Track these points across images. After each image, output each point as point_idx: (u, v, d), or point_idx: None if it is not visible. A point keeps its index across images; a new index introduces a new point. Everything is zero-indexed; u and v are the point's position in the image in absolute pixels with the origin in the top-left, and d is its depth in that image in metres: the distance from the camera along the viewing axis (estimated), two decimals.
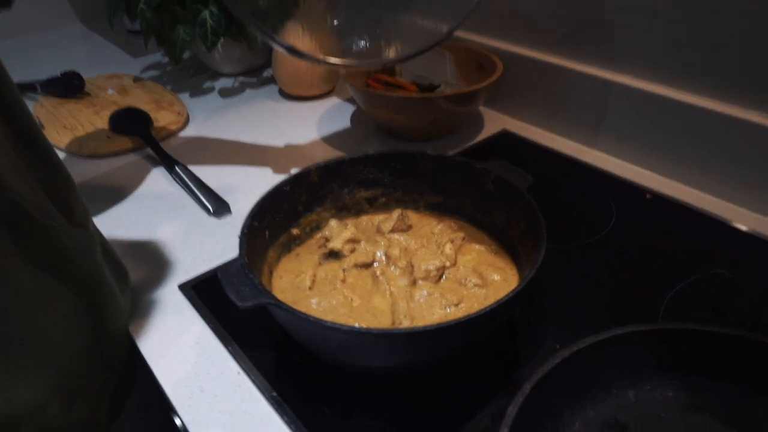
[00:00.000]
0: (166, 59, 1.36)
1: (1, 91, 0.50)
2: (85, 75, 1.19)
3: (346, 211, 0.70)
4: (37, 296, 0.52)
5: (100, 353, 0.60)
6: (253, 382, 0.56)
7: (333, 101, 1.13)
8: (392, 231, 0.66)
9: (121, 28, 1.56)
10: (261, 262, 0.60)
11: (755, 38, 0.68)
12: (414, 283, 0.59)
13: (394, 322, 0.55)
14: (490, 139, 0.95)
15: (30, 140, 0.53)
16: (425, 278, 0.59)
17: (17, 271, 0.49)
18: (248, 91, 1.19)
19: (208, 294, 0.65)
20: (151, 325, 0.64)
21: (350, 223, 0.67)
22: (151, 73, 1.30)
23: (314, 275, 0.60)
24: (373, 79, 0.96)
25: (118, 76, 1.24)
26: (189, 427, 0.53)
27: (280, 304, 0.48)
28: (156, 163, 0.93)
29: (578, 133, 0.91)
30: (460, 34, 0.98)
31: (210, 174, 0.88)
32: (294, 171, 0.70)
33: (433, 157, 0.67)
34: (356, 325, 0.55)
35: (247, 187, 0.86)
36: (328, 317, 0.56)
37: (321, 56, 0.69)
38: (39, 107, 1.11)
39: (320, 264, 0.63)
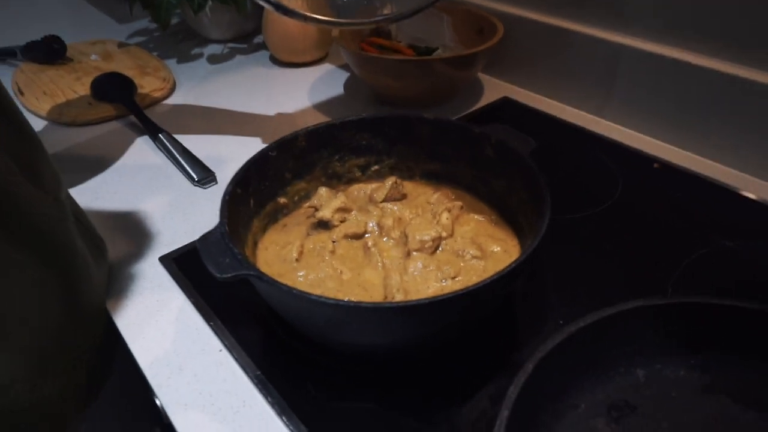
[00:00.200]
0: (153, 25, 1.30)
1: None
2: (68, 41, 1.13)
3: (337, 179, 0.66)
4: None
5: (73, 329, 0.56)
6: (236, 360, 0.52)
7: (326, 68, 1.08)
8: (385, 200, 0.62)
9: None
10: (245, 232, 0.56)
11: None
12: (408, 254, 0.55)
13: (386, 296, 0.51)
14: (490, 107, 0.90)
15: None
16: (420, 250, 0.55)
17: None
18: (238, 58, 1.15)
19: (190, 267, 0.62)
20: (129, 300, 0.60)
21: (341, 191, 0.63)
22: (138, 39, 1.25)
23: (302, 246, 0.57)
24: (367, 42, 0.91)
25: (102, 42, 1.19)
26: (167, 408, 0.49)
27: (261, 276, 0.44)
28: (139, 132, 0.89)
29: (583, 99, 0.86)
30: None
31: (196, 143, 0.83)
32: None
33: (429, 120, 0.63)
34: (346, 299, 0.51)
35: (234, 156, 0.81)
36: (316, 291, 0.52)
37: (310, 14, 0.64)
38: (19, 73, 1.06)
39: (308, 235, 0.59)
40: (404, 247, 0.55)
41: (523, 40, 0.90)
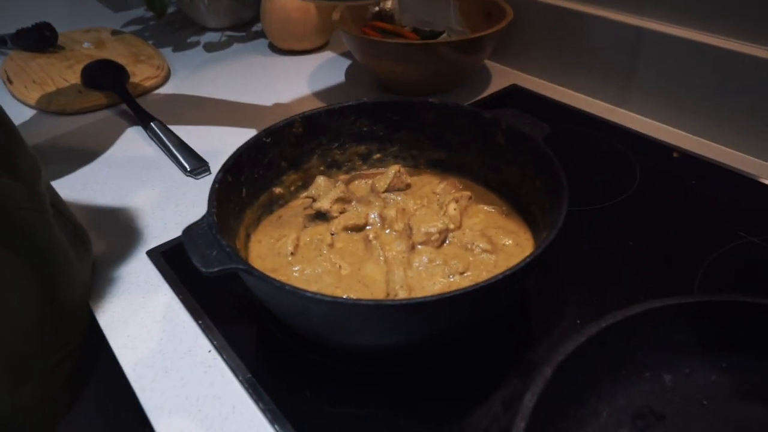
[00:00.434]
0: (150, 14, 1.26)
1: None
2: (63, 30, 1.10)
3: (336, 167, 0.62)
4: None
5: (52, 328, 0.52)
6: (226, 361, 0.48)
7: (327, 55, 1.04)
8: (388, 190, 0.58)
9: None
10: (236, 223, 0.52)
11: None
12: (412, 248, 0.51)
13: (388, 293, 0.47)
14: (498, 94, 0.86)
15: None
16: (425, 243, 0.50)
17: None
18: (236, 46, 1.11)
19: (178, 261, 0.58)
20: (114, 296, 0.56)
21: (340, 180, 0.58)
22: (133, 28, 1.21)
23: (298, 239, 0.52)
24: (369, 27, 0.87)
25: (96, 30, 1.15)
26: (149, 414, 0.46)
27: (251, 270, 0.40)
28: (131, 121, 0.85)
29: (597, 86, 0.82)
30: None
31: (190, 133, 0.79)
32: None
33: (434, 105, 0.59)
34: (344, 296, 0.47)
35: (229, 147, 0.76)
36: (312, 287, 0.48)
37: None
38: (9, 61, 1.03)
39: (305, 227, 0.55)
40: (408, 240, 0.51)
41: (534, 24, 0.86)
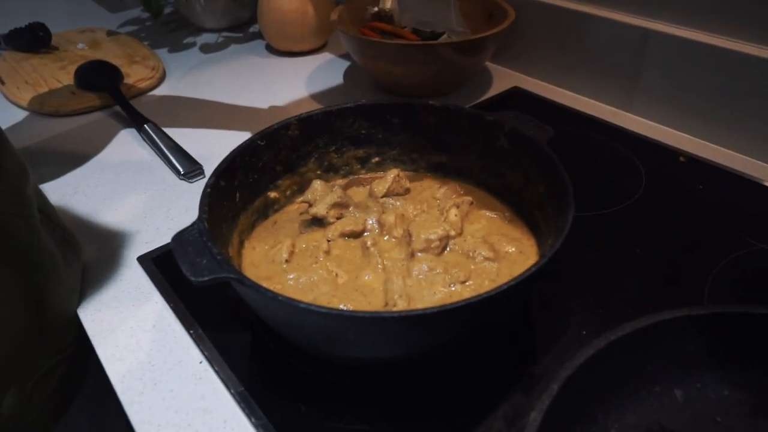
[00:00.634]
0: (146, 15, 1.25)
1: None
2: (58, 30, 1.08)
3: (334, 172, 0.60)
4: None
5: (39, 338, 0.50)
6: (217, 373, 0.46)
7: (325, 57, 1.02)
8: (387, 195, 0.56)
9: None
10: (229, 229, 0.50)
11: None
12: (412, 255, 0.49)
13: (387, 303, 0.45)
14: (500, 97, 0.84)
15: None
16: (425, 250, 0.49)
17: None
18: (233, 47, 1.09)
19: (170, 268, 0.56)
20: (103, 304, 0.54)
21: (337, 185, 0.57)
22: (129, 28, 1.19)
23: (293, 246, 0.51)
24: (368, 27, 0.85)
25: (91, 30, 1.13)
26: (137, 428, 0.44)
27: (242, 279, 0.38)
28: (125, 123, 0.83)
29: (600, 89, 0.80)
30: None
31: (184, 135, 0.78)
32: None
33: (435, 107, 0.57)
34: (341, 306, 0.45)
35: (225, 150, 0.74)
36: (308, 296, 0.46)
37: None
38: (1, 62, 1.01)
39: (301, 233, 0.53)
40: (408, 247, 0.49)
41: (536, 26, 0.84)
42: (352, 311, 0.41)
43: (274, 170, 0.56)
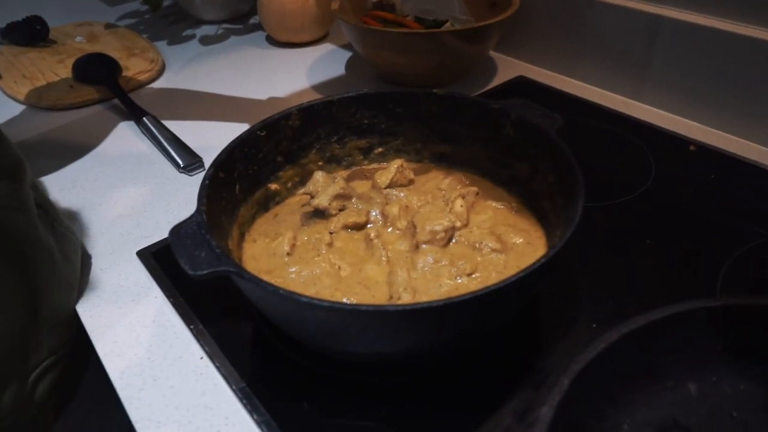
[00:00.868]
0: (144, 7, 1.23)
1: None
2: (56, 24, 1.06)
3: (336, 163, 0.59)
4: None
5: (37, 334, 0.49)
6: (218, 369, 0.45)
7: (326, 47, 1.01)
8: (390, 186, 0.55)
9: None
10: (229, 222, 0.49)
11: None
12: (416, 247, 0.47)
13: (391, 296, 0.44)
14: (504, 86, 0.83)
15: None
16: (430, 242, 0.47)
17: None
18: (232, 39, 1.07)
19: (170, 263, 0.53)
20: (101, 299, 0.53)
21: (340, 176, 0.55)
22: (127, 21, 1.18)
23: (294, 238, 0.49)
24: (370, 16, 0.84)
25: (89, 24, 1.12)
26: (137, 425, 0.43)
27: (242, 273, 0.37)
28: (123, 116, 0.82)
29: (608, 77, 0.79)
30: None
31: (184, 128, 0.76)
32: None
33: (439, 96, 0.55)
34: (345, 300, 0.44)
35: (224, 142, 0.73)
36: (310, 290, 0.45)
37: None
38: None
39: (303, 225, 0.52)
40: (412, 238, 0.48)
41: (541, 13, 0.83)
42: (356, 305, 0.40)
43: (274, 161, 0.55)
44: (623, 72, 0.76)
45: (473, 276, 0.45)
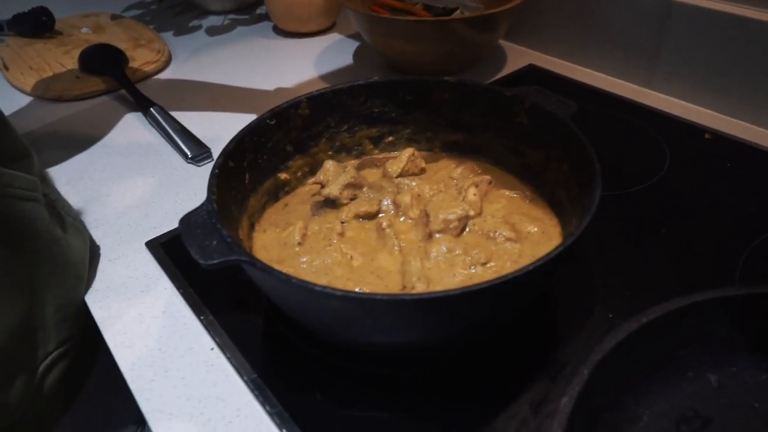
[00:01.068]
0: None
1: None
2: (61, 15, 1.06)
3: (346, 152, 0.58)
4: None
5: (44, 324, 0.49)
6: (230, 360, 0.45)
7: (334, 37, 1.00)
8: (401, 175, 0.54)
9: None
10: (239, 212, 0.48)
11: None
12: (430, 236, 0.47)
13: (404, 286, 0.43)
14: (514, 75, 0.82)
15: None
16: (444, 231, 0.47)
17: None
18: (239, 29, 1.06)
19: (179, 253, 0.54)
20: (110, 290, 0.53)
21: (350, 165, 0.55)
22: (133, 12, 1.17)
23: (305, 228, 0.49)
24: (378, 4, 0.83)
25: (95, 15, 1.11)
26: (148, 417, 0.42)
27: (254, 262, 0.36)
28: (130, 107, 0.81)
29: (620, 65, 0.78)
30: None
31: (191, 119, 0.76)
32: None
33: (450, 84, 0.55)
34: (357, 290, 0.43)
35: (232, 133, 0.72)
36: (322, 280, 0.44)
37: None
38: (5, 48, 0.99)
39: (313, 215, 0.51)
40: (425, 228, 0.47)
41: (551, 0, 0.81)
42: (371, 294, 0.39)
43: (284, 151, 0.54)
44: (635, 59, 0.75)
45: (488, 265, 0.44)
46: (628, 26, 0.74)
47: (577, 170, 0.46)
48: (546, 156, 0.50)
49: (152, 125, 0.76)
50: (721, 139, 0.65)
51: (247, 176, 0.50)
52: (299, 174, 0.56)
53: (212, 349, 0.46)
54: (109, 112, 0.81)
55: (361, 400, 0.42)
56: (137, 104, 0.79)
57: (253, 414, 0.41)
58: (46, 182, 0.56)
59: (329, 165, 0.53)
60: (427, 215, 0.47)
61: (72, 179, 0.67)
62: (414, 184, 0.53)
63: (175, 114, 0.76)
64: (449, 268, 0.44)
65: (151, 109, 0.76)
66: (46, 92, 0.85)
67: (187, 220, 0.40)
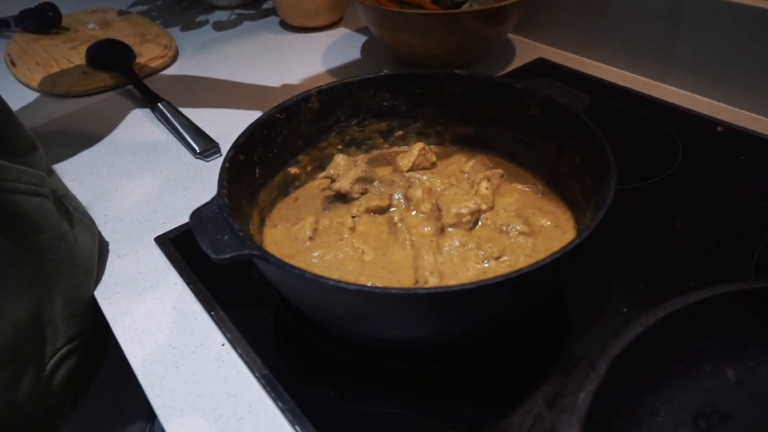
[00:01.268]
0: None
1: None
2: (67, 11, 1.06)
3: (356, 146, 0.58)
4: None
5: (53, 321, 0.49)
6: (241, 356, 0.44)
7: (341, 32, 0.99)
8: (412, 169, 0.53)
9: None
10: (249, 206, 0.48)
11: None
12: (442, 230, 0.46)
13: (417, 280, 0.43)
14: (524, 68, 0.81)
15: None
16: (456, 225, 0.46)
17: None
18: (246, 24, 1.06)
19: (189, 248, 0.54)
20: (120, 286, 0.52)
21: (361, 159, 0.54)
22: (140, 8, 1.17)
23: (316, 223, 0.48)
24: None
25: (102, 10, 1.11)
26: (159, 414, 0.42)
27: (266, 257, 0.36)
28: (138, 102, 0.81)
29: (632, 58, 0.77)
30: None
31: (199, 114, 0.75)
32: None
33: (461, 77, 0.54)
34: (369, 284, 0.43)
35: (240, 128, 0.72)
36: (333, 274, 0.44)
37: None
38: (12, 44, 0.99)
39: (324, 209, 0.51)
40: (437, 222, 0.47)
41: None
42: (385, 288, 0.39)
43: (294, 145, 0.54)
44: (646, 53, 0.74)
45: (501, 260, 0.44)
46: (640, 20, 0.73)
47: (590, 163, 0.45)
48: (558, 149, 0.50)
49: (160, 121, 0.76)
50: (733, 132, 0.64)
51: (257, 170, 0.49)
52: (309, 168, 0.56)
53: (223, 344, 0.46)
54: (116, 108, 0.81)
55: (374, 396, 0.41)
56: (145, 100, 0.79)
57: (265, 410, 0.41)
58: (54, 177, 0.55)
59: (340, 159, 0.53)
60: (439, 209, 0.47)
61: (80, 175, 0.67)
62: (425, 178, 0.52)
63: (183, 109, 0.76)
64: (462, 263, 0.44)
65: (159, 104, 0.76)
66: (53, 88, 0.85)
67: (198, 214, 0.40)
